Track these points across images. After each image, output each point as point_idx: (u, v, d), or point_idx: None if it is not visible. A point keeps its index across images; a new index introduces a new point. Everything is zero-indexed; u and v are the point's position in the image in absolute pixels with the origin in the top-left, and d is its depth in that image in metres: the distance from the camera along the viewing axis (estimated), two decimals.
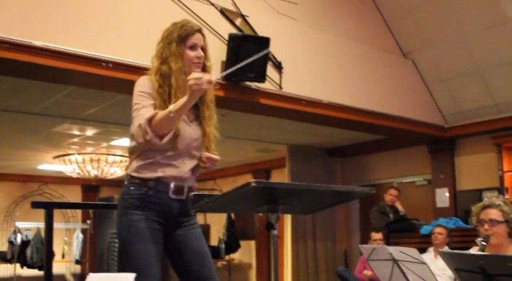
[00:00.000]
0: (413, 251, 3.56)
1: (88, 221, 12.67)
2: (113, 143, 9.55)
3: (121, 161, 10.69)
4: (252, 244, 11.91)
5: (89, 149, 10.18)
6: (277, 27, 6.66)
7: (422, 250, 6.66)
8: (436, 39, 7.90)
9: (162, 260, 2.92)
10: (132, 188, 2.91)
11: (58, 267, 12.54)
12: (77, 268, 13.35)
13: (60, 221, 12.66)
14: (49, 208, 3.90)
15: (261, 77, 6.21)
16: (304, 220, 9.72)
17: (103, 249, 12.77)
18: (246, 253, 12.09)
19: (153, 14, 5.54)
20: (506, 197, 7.57)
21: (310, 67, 7.02)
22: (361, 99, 7.52)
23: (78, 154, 10.41)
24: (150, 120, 2.73)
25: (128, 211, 2.88)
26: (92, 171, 10.83)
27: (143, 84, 2.92)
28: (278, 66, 6.54)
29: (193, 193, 3.00)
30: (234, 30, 6.19)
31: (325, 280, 9.79)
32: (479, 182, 8.36)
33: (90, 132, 8.70)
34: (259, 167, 11.66)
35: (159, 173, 2.89)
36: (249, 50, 6.00)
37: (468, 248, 3.96)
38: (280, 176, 10.66)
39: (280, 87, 6.54)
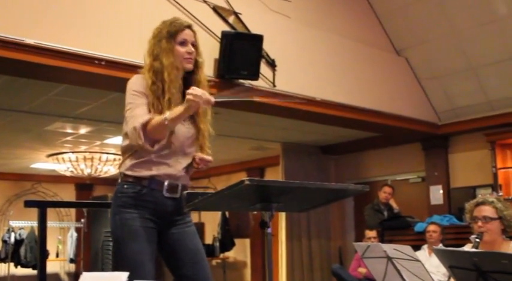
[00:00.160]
0: (407, 249, 3.55)
1: (82, 220, 12.64)
2: (107, 141, 9.52)
3: (114, 160, 10.67)
4: (247, 242, 11.91)
5: (83, 148, 10.15)
6: (270, 24, 6.65)
7: (417, 247, 6.67)
8: (429, 36, 7.91)
9: (156, 258, 2.91)
10: (126, 186, 2.90)
11: (52, 266, 12.51)
12: (71, 267, 13.33)
13: (54, 220, 12.64)
14: (42, 207, 3.88)
15: (255, 74, 6.20)
16: (299, 217, 9.73)
17: (97, 248, 12.77)
18: (241, 251, 12.09)
19: (145, 12, 5.52)
20: (500, 194, 7.59)
21: (303, 65, 7.01)
22: (355, 97, 7.52)
23: (72, 152, 10.38)
24: (144, 126, 2.73)
25: (121, 209, 2.87)
26: (85, 169, 10.81)
27: (136, 83, 2.91)
28: (271, 64, 6.53)
29: (186, 191, 2.99)
30: (226, 28, 6.18)
31: (319, 277, 9.80)
32: (473, 179, 8.38)
33: (83, 130, 8.67)
34: (253, 165, 11.65)
35: (153, 171, 2.88)
36: (242, 48, 6.01)
37: (462, 245, 3.96)
38: (274, 174, 10.66)
39: (274, 85, 6.53)
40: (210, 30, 6.00)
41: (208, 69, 5.84)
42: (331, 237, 10.14)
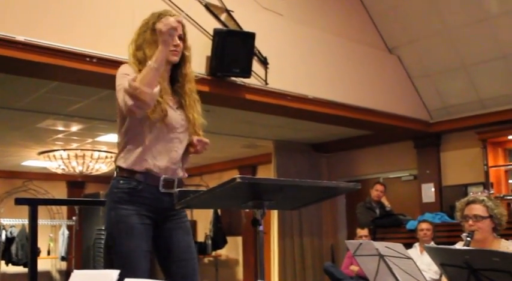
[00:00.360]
0: (399, 247, 3.56)
1: (74, 218, 12.61)
2: (98, 139, 9.49)
3: (106, 157, 10.64)
4: (239, 239, 11.91)
5: (74, 145, 10.12)
6: (262, 22, 6.64)
7: (409, 245, 6.69)
8: (421, 34, 7.92)
9: (151, 255, 2.90)
10: (121, 181, 2.89)
11: (44, 264, 12.50)
12: (63, 265, 13.31)
13: (46, 218, 12.59)
14: (33, 205, 3.86)
15: (247, 72, 6.19)
16: (291, 215, 9.73)
17: (89, 245, 12.74)
18: (233, 249, 12.09)
19: (137, 9, 5.47)
20: (492, 192, 7.62)
21: (295, 62, 7.01)
22: (347, 95, 7.52)
23: (63, 149, 10.34)
24: (134, 79, 2.72)
25: (117, 205, 2.86)
26: (77, 167, 10.77)
27: (125, 69, 2.92)
28: (263, 62, 6.52)
29: (178, 189, 2.98)
30: (219, 25, 6.17)
31: (311, 275, 9.81)
32: (464, 177, 8.40)
33: (74, 128, 8.64)
34: (245, 162, 11.65)
35: (149, 164, 2.87)
36: (233, 45, 6.00)
37: (454, 243, 3.97)
38: (266, 172, 10.65)
39: (266, 83, 6.53)
40: (202, 28, 5.99)
41: (200, 67, 5.86)
42: (323, 235, 10.14)
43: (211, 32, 6.01)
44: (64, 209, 13.53)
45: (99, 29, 5.37)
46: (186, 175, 3.08)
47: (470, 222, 3.69)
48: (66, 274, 13.14)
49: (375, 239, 7.64)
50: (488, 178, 7.91)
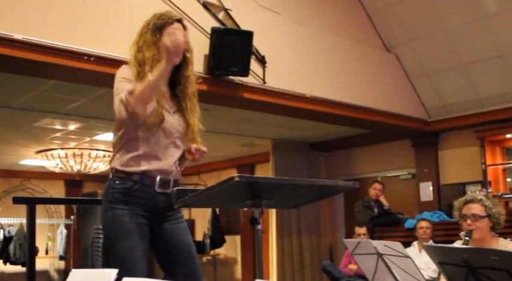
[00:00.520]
0: (397, 245, 3.56)
1: (72, 217, 12.60)
2: (96, 137, 9.48)
3: (104, 156, 10.63)
4: (237, 238, 11.90)
5: (72, 144, 10.11)
6: (260, 21, 6.64)
7: (407, 244, 6.68)
8: (418, 33, 7.92)
9: (148, 254, 2.90)
10: (117, 182, 2.88)
11: (42, 263, 12.48)
12: (61, 264, 13.29)
13: (44, 217, 12.58)
14: (31, 204, 3.86)
15: (244, 71, 6.19)
16: (289, 214, 9.73)
17: (87, 244, 12.72)
18: (231, 247, 12.08)
19: (135, 7, 5.48)
20: (490, 190, 7.63)
21: (293, 61, 7.01)
22: (345, 94, 7.52)
23: (61, 148, 10.33)
24: (130, 93, 2.72)
25: (113, 205, 2.86)
26: (74, 166, 10.76)
27: (124, 73, 2.91)
28: (261, 60, 6.52)
29: (177, 188, 2.97)
30: (216, 24, 6.16)
31: (310, 274, 9.81)
32: (462, 176, 8.41)
33: (72, 126, 8.63)
34: (244, 161, 11.65)
35: (144, 166, 2.87)
36: (231, 44, 5.99)
37: (452, 241, 3.97)
38: (265, 171, 10.65)
39: (264, 82, 6.53)
40: (200, 26, 5.99)
41: (198, 66, 5.85)
42: (322, 234, 10.14)
43: (209, 31, 6.00)
44: (62, 208, 13.51)
45: (97, 27, 5.36)
46: (182, 178, 3.08)
47: (469, 221, 3.68)
48: (64, 273, 13.13)
49: (373, 237, 7.65)
50: (486, 176, 7.92)
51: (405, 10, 7.79)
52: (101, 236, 11.11)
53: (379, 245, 3.63)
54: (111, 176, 2.93)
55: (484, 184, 7.87)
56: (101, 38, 5.34)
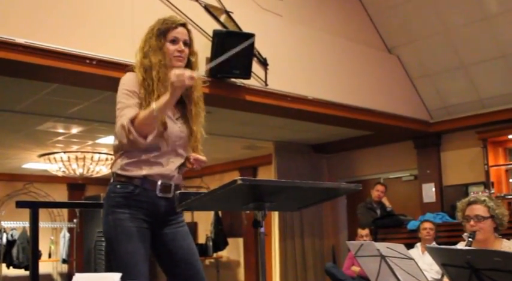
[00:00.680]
0: (400, 247, 3.56)
1: (74, 220, 12.61)
2: (98, 141, 9.49)
3: (106, 159, 10.64)
4: (240, 241, 11.89)
5: (74, 148, 10.12)
6: (261, 23, 6.64)
7: (410, 246, 6.68)
8: (420, 34, 7.92)
9: (149, 259, 2.90)
10: (118, 186, 2.88)
11: (45, 267, 12.48)
12: (64, 268, 13.29)
13: (47, 220, 12.60)
14: (34, 208, 3.86)
15: (246, 73, 6.19)
16: (292, 216, 9.72)
17: (90, 248, 12.73)
18: (234, 250, 12.08)
19: (137, 11, 5.50)
20: (492, 191, 7.62)
21: (295, 63, 7.01)
22: (347, 95, 7.52)
23: (63, 152, 10.34)
24: (133, 120, 2.71)
25: (114, 209, 2.85)
26: (77, 169, 10.77)
27: (128, 82, 2.90)
28: (263, 63, 6.52)
29: (179, 191, 2.97)
30: (218, 27, 6.17)
31: (313, 276, 9.80)
32: (465, 177, 8.40)
33: (75, 130, 8.64)
34: (246, 164, 11.64)
35: (145, 171, 2.86)
36: (233, 47, 5.98)
37: (455, 243, 3.97)
38: (267, 173, 10.65)
39: (266, 84, 6.53)
40: (202, 29, 5.99)
41: (200, 68, 5.85)
42: (324, 236, 10.14)
43: (211, 33, 6.00)
44: (65, 211, 13.53)
45: (99, 31, 5.36)
46: (183, 183, 3.08)
47: (472, 222, 3.68)
48: (67, 277, 13.14)
49: (376, 239, 7.65)
50: (488, 177, 7.91)
51: (406, 11, 7.79)
52: (103, 239, 11.07)
53: (382, 247, 3.63)
54: (112, 180, 2.93)
55: (487, 184, 7.86)
56: (102, 42, 5.35)
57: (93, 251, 12.41)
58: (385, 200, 8.61)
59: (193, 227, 12.48)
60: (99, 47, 5.29)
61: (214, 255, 11.98)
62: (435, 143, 8.89)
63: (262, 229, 2.44)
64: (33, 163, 11.36)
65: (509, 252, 2.81)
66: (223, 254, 12.26)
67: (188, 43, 2.97)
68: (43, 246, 12.09)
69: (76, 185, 13.29)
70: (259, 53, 6.46)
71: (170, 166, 2.93)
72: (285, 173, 9.67)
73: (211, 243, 11.70)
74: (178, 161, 2.99)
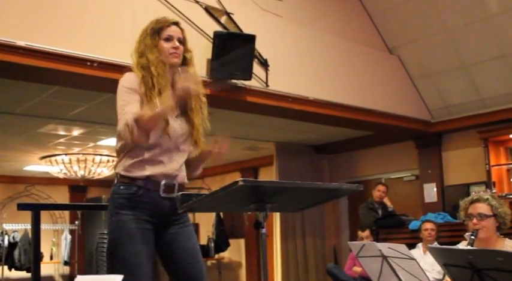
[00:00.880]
0: (402, 247, 3.55)
1: (76, 222, 12.60)
2: (100, 143, 9.49)
3: (108, 161, 10.64)
4: (242, 242, 11.89)
5: (76, 150, 10.12)
6: (262, 24, 6.64)
7: (411, 246, 6.68)
8: (421, 34, 7.92)
9: (153, 259, 2.90)
10: (121, 187, 2.89)
11: (46, 268, 12.49)
12: (66, 269, 13.30)
13: (48, 222, 12.60)
14: (36, 210, 3.86)
15: (247, 74, 6.19)
16: (293, 217, 9.72)
17: (92, 250, 12.73)
18: (236, 251, 12.07)
19: (137, 13, 5.50)
20: (494, 191, 7.61)
21: (296, 64, 7.01)
22: (348, 96, 7.52)
23: (65, 154, 10.35)
24: (136, 120, 2.72)
25: (118, 211, 2.86)
26: (78, 171, 10.77)
27: (128, 80, 2.92)
28: (264, 64, 6.52)
29: (180, 193, 2.98)
30: (219, 28, 6.17)
31: (315, 277, 9.80)
32: (466, 177, 8.40)
33: (76, 132, 8.64)
34: (247, 165, 11.64)
35: (148, 171, 2.87)
36: (234, 48, 6.00)
37: (457, 243, 3.96)
38: (268, 174, 10.65)
39: (267, 85, 6.53)
40: (202, 31, 5.99)
41: (200, 70, 5.86)
42: (326, 236, 10.13)
43: (212, 35, 6.01)
44: (66, 213, 13.53)
45: (99, 33, 5.37)
46: (187, 181, 3.08)
47: (475, 220, 3.68)
48: (69, 279, 13.15)
49: (377, 240, 7.64)
50: (490, 177, 7.91)
51: (407, 11, 7.79)
52: (105, 241, 11.08)
53: (384, 247, 3.62)
54: (115, 181, 2.94)
55: (488, 184, 7.86)
56: (103, 44, 5.35)
57: (95, 253, 12.41)
58: (386, 201, 8.60)
59: (194, 228, 12.28)
60: (100, 49, 5.30)
61: (216, 256, 11.98)
62: (436, 143, 8.89)
63: (263, 230, 2.44)
64: (35, 165, 11.37)
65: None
66: (225, 255, 12.26)
67: (182, 41, 3.00)
68: (45, 248, 12.07)
69: (77, 187, 13.28)
70: (259, 54, 6.46)
71: (173, 164, 2.94)
72: (286, 174, 9.67)
73: (212, 244, 11.69)
74: (182, 158, 3.00)
